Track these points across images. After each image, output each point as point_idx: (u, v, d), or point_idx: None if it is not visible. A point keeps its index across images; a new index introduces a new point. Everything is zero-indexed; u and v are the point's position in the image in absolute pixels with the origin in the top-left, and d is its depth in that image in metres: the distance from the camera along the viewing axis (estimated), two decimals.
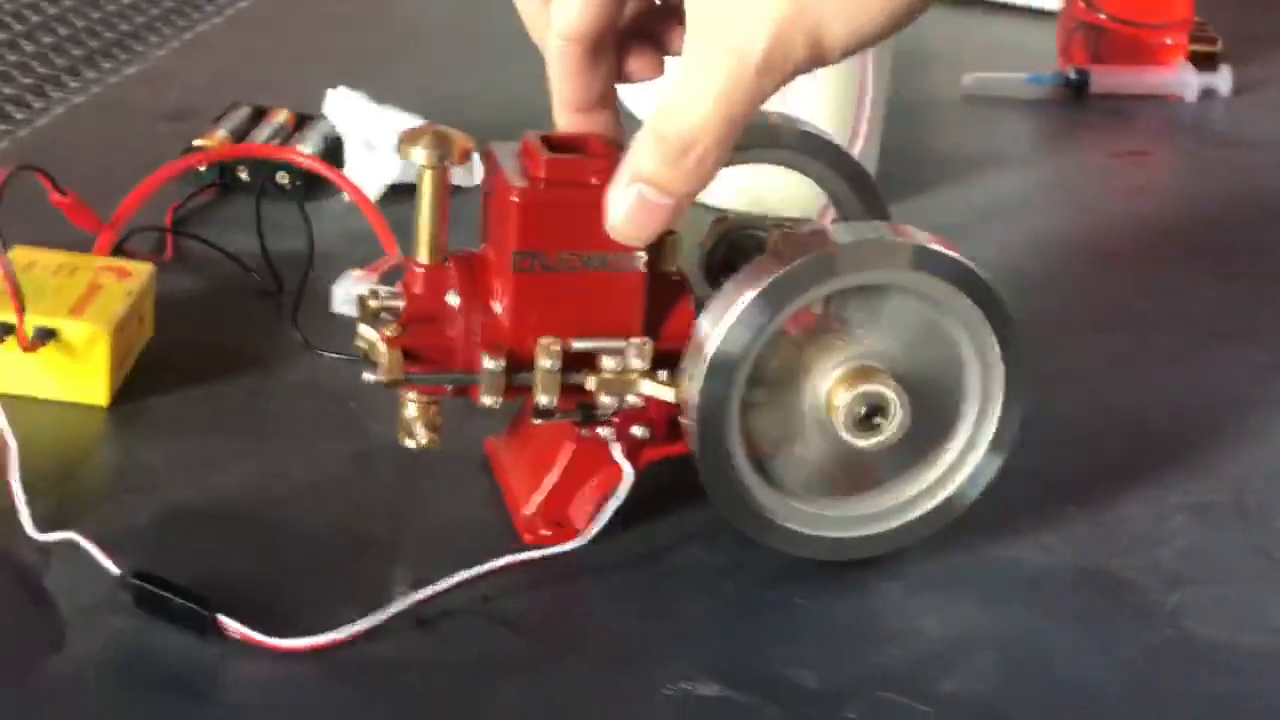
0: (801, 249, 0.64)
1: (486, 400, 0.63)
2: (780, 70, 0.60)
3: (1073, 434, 0.78)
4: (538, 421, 0.65)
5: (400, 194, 0.91)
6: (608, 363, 0.64)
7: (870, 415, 0.64)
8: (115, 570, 0.61)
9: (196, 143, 0.94)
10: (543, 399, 0.64)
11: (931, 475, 0.67)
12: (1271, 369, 0.87)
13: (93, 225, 0.83)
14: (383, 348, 0.63)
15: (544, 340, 0.63)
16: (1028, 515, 0.71)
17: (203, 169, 0.93)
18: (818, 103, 0.94)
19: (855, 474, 0.67)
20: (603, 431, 0.66)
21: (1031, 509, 0.71)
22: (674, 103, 0.61)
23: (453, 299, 0.64)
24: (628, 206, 0.62)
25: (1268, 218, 1.06)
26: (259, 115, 1.00)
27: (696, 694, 0.60)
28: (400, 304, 0.64)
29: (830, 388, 0.64)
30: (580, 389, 0.64)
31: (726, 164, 0.62)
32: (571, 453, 0.67)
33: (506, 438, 0.70)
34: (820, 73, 0.91)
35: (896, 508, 0.67)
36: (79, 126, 1.02)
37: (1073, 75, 1.23)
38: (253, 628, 0.59)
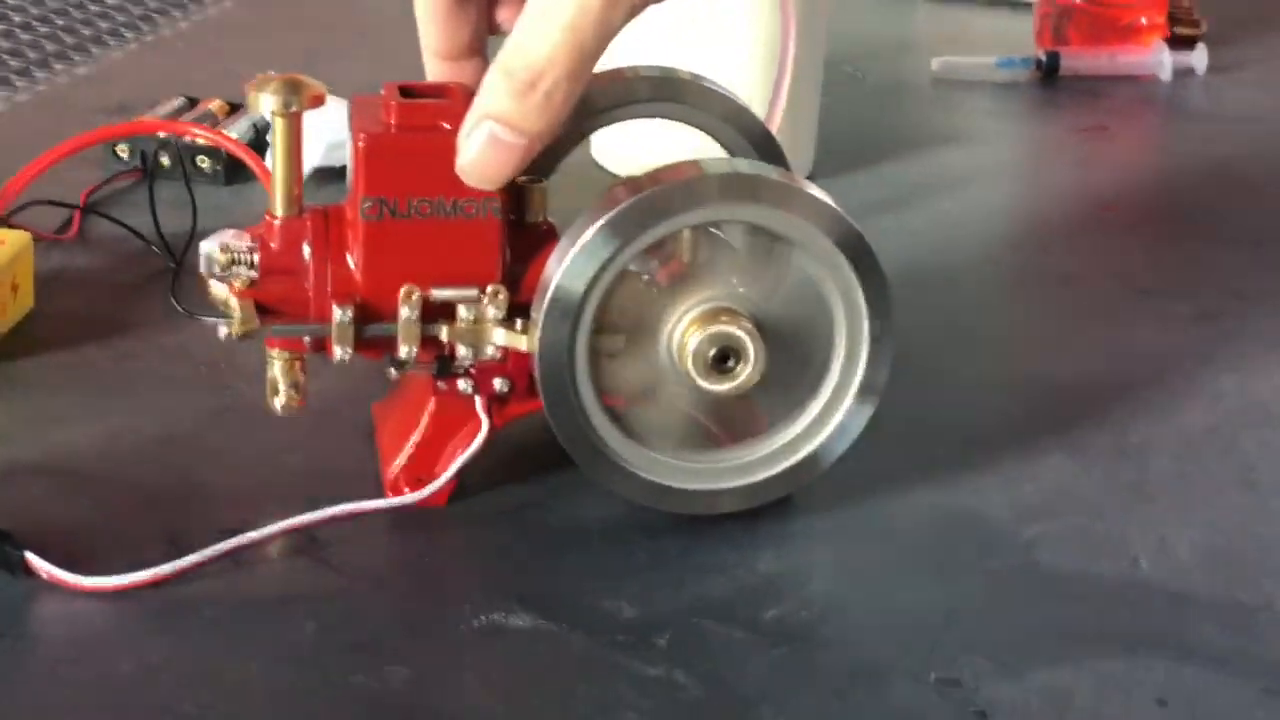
0: (657, 180, 0.62)
1: (338, 352, 0.62)
2: (625, 7, 0.59)
3: (964, 388, 0.77)
4: (393, 373, 0.64)
5: (328, 178, 0.92)
6: (462, 312, 0.63)
7: (723, 358, 0.63)
8: None
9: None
10: (402, 349, 0.62)
11: (797, 427, 0.65)
12: (1191, 320, 0.84)
13: None
14: (234, 300, 0.62)
15: (405, 288, 0.62)
16: (895, 460, 0.69)
17: (124, 154, 0.94)
18: (738, 71, 0.93)
19: (720, 426, 0.65)
20: (463, 385, 0.64)
21: (901, 455, 0.69)
22: (520, 38, 0.60)
23: (306, 250, 0.63)
24: (477, 146, 0.60)
25: (1214, 182, 1.03)
26: (191, 105, 1.00)
27: (506, 624, 0.59)
28: (256, 257, 0.63)
29: (683, 329, 0.63)
30: (438, 340, 0.63)
31: (582, 107, 0.61)
32: (434, 409, 0.65)
33: (387, 401, 0.70)
34: (741, 37, 0.93)
35: (762, 460, 0.65)
36: (16, 121, 1.03)
37: (1042, 58, 1.20)
38: (65, 568, 0.59)
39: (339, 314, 0.62)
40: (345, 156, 0.92)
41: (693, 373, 0.63)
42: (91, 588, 0.59)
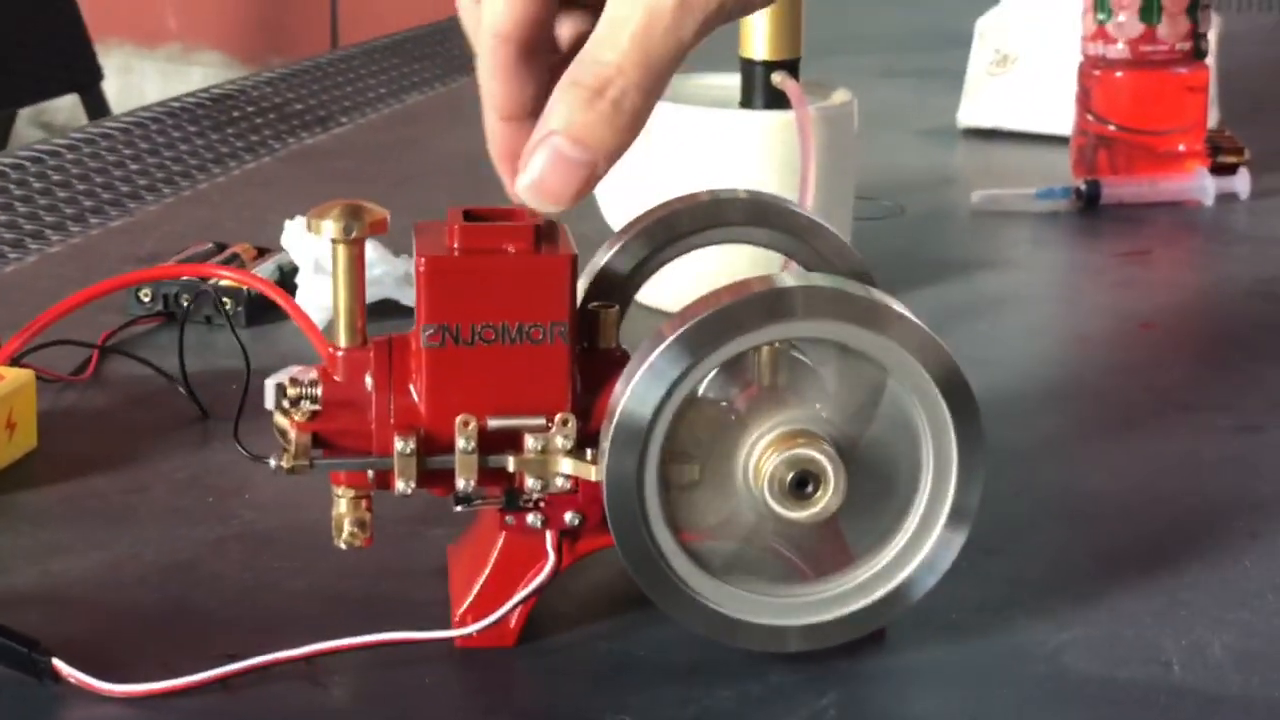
0: (731, 295, 0.59)
1: (400, 485, 0.59)
2: (701, 9, 0.56)
3: (995, 498, 0.74)
4: (458, 508, 0.61)
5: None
6: (530, 442, 0.60)
7: (802, 483, 0.59)
8: None
9: None
10: (460, 481, 0.60)
11: (885, 556, 0.61)
12: (1232, 432, 0.82)
13: None
14: (293, 433, 0.60)
15: (460, 418, 0.59)
16: None
17: (146, 298, 0.94)
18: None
19: (803, 556, 0.61)
20: (531, 519, 0.61)
21: None
22: (588, 49, 0.57)
23: (368, 380, 0.60)
24: (541, 163, 0.57)
25: (1256, 302, 1.01)
26: (220, 250, 1.00)
27: None
28: (319, 390, 0.60)
29: (760, 453, 0.59)
30: (505, 473, 0.60)
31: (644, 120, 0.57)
32: (503, 545, 0.62)
33: (460, 540, 0.66)
34: (758, 160, 0.93)
35: (846, 593, 0.61)
36: (47, 270, 1.03)
37: (1082, 186, 1.19)
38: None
39: (401, 445, 0.59)
40: (378, 294, 0.94)
41: (769, 499, 0.59)
42: (118, 693, 0.58)
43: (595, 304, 0.63)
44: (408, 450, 0.59)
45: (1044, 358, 0.94)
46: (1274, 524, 0.72)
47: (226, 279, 0.92)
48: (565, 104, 0.57)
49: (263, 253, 1.00)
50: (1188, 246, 1.16)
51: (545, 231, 0.61)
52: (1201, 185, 1.20)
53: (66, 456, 0.77)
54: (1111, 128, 1.22)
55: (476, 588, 0.62)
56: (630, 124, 0.57)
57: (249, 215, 1.14)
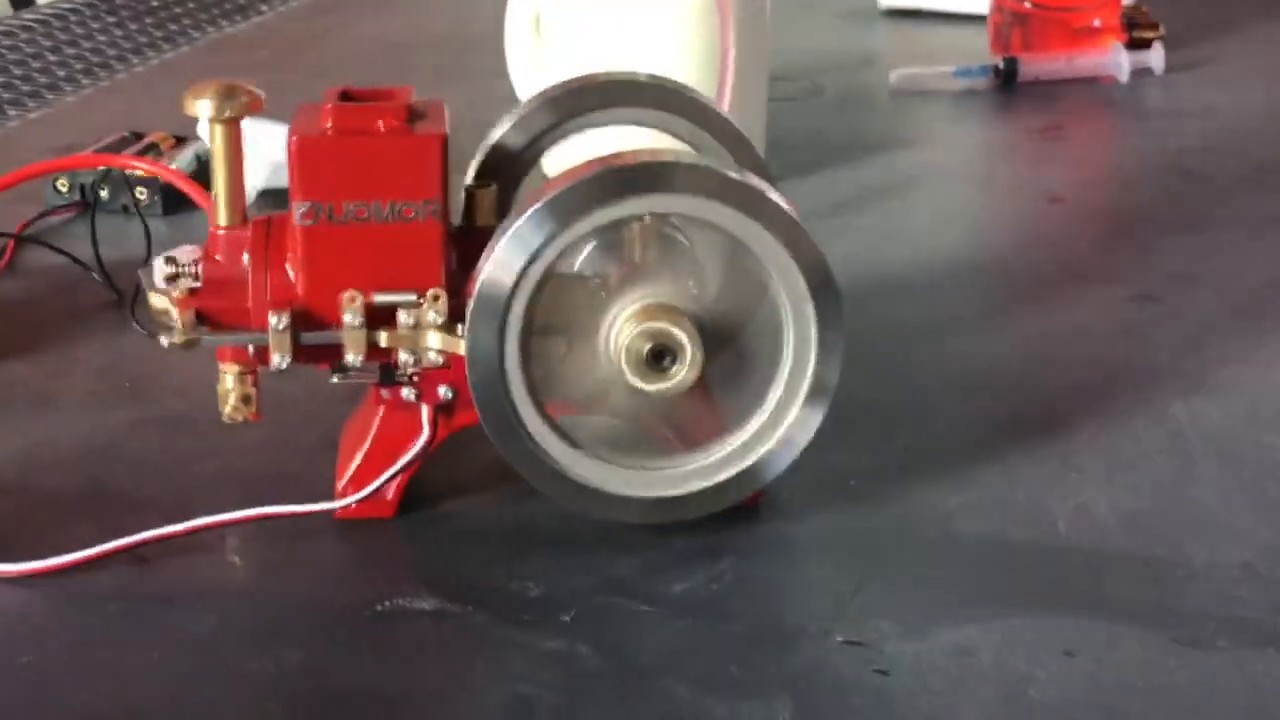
0: (602, 164, 0.59)
1: (276, 359, 0.61)
2: None
3: (896, 370, 0.76)
4: (335, 379, 0.63)
5: (276, 200, 0.93)
6: (402, 317, 0.61)
7: (659, 356, 0.60)
8: None
9: None
10: (348, 355, 0.61)
11: (744, 433, 0.62)
12: (1130, 302, 0.84)
13: None
14: (175, 310, 0.61)
15: (347, 293, 0.60)
16: (819, 437, 0.66)
17: (64, 189, 0.94)
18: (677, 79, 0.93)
19: (669, 430, 0.63)
20: (406, 393, 0.63)
21: (826, 432, 0.67)
22: None
23: (246, 258, 0.61)
24: None
25: (1166, 175, 1.03)
26: (137, 139, 1.01)
27: (410, 608, 0.58)
28: (200, 269, 0.61)
29: (621, 326, 0.61)
30: (379, 347, 0.61)
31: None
32: (382, 419, 0.64)
33: (352, 416, 0.67)
34: (678, 43, 0.93)
35: (709, 467, 0.62)
36: None
37: (1000, 64, 1.20)
38: None
39: (275, 321, 0.60)
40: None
41: (627, 371, 0.60)
42: (5, 573, 0.60)
43: (473, 183, 0.64)
44: (281, 326, 0.60)
45: (954, 235, 0.95)
46: (1165, 391, 0.74)
47: (139, 170, 0.92)
48: None
49: (180, 141, 1.01)
50: (1102, 122, 1.17)
51: (419, 111, 0.62)
52: (1117, 61, 1.21)
53: None
54: (1027, 4, 1.24)
55: (356, 461, 0.63)
56: None
57: (168, 106, 1.12)
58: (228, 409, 0.62)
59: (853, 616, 0.57)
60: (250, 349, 0.62)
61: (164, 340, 0.61)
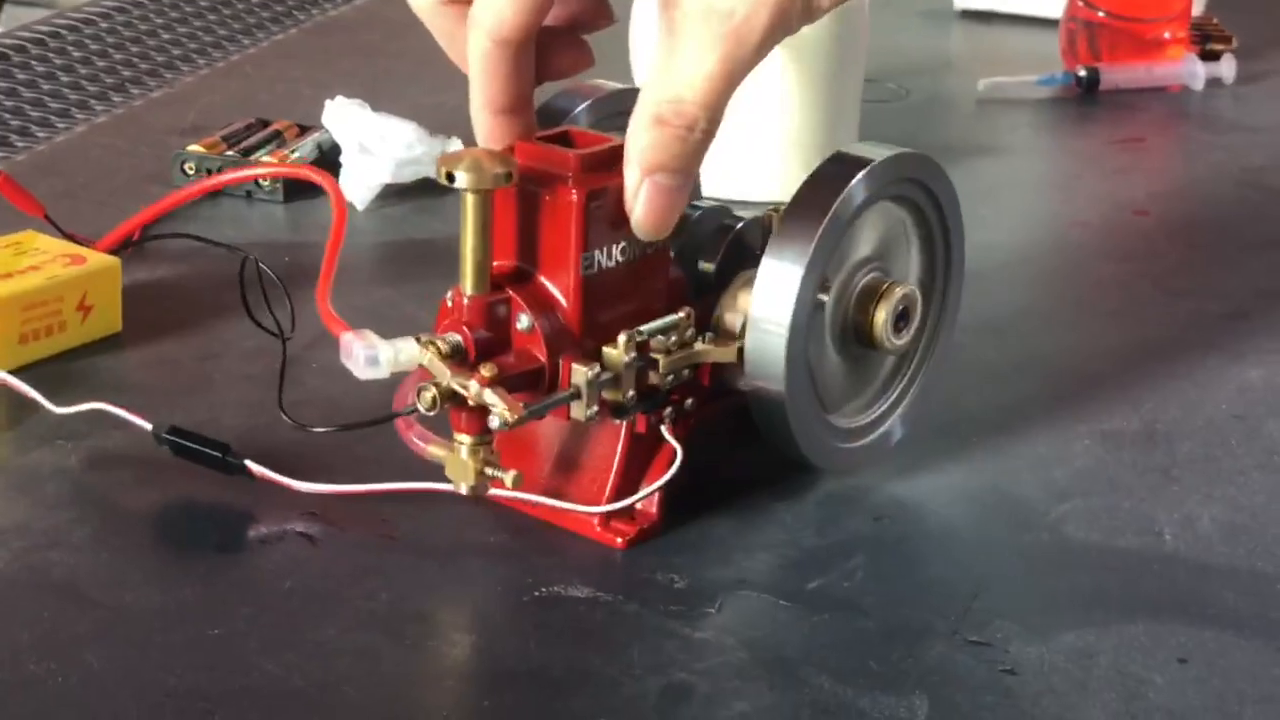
0: (828, 186, 0.65)
1: (587, 413, 0.62)
2: (778, 40, 0.60)
3: (999, 380, 0.80)
4: (619, 420, 0.65)
5: (394, 196, 0.97)
6: (665, 342, 0.64)
7: (903, 316, 0.68)
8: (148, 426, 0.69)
9: (190, 147, 1.00)
10: (627, 394, 0.63)
11: (915, 368, 0.71)
12: (1221, 318, 0.88)
13: (30, 207, 0.88)
14: (489, 392, 0.60)
15: (622, 336, 0.63)
16: (933, 446, 0.73)
17: (190, 171, 0.99)
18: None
19: (856, 383, 0.70)
20: (668, 412, 0.66)
21: (938, 441, 0.73)
22: (672, 85, 0.60)
23: (523, 321, 0.63)
24: (649, 203, 0.61)
25: (1244, 189, 1.07)
26: (262, 126, 1.05)
27: (565, 595, 0.63)
28: (458, 341, 0.62)
29: (860, 305, 0.68)
30: (646, 375, 0.64)
31: None
32: (627, 440, 0.66)
33: (532, 433, 0.68)
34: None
35: (892, 404, 0.71)
36: (96, 140, 1.08)
37: (1082, 73, 1.24)
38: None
39: (586, 374, 0.62)
40: (417, 173, 0.99)
41: (884, 337, 0.67)
42: (308, 491, 0.66)
43: None
44: (594, 377, 0.62)
45: (1043, 244, 0.99)
46: (1258, 407, 0.78)
47: (282, 175, 0.97)
48: (658, 141, 0.61)
49: (304, 130, 1.05)
50: (1179, 133, 1.21)
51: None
52: (1193, 70, 1.25)
53: (137, 327, 0.82)
54: (1101, 14, 1.27)
55: (611, 481, 0.66)
56: (708, 145, 0.62)
57: (282, 89, 1.18)
58: (473, 483, 0.62)
59: (976, 617, 0.62)
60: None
61: (495, 422, 0.61)
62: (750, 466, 0.70)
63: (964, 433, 0.74)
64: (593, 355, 0.63)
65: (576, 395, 0.63)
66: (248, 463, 0.67)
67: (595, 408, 0.63)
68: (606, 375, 0.63)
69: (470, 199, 0.61)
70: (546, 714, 0.56)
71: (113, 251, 0.87)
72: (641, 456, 0.66)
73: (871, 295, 0.67)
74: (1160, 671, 0.59)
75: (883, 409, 0.71)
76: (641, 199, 0.61)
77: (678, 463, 0.65)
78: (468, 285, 0.62)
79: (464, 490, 0.62)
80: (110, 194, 0.98)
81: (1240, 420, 0.77)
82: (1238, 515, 0.69)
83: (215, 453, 0.68)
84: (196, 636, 0.60)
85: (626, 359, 0.63)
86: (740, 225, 0.71)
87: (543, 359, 0.63)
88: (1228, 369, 0.82)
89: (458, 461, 0.62)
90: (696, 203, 0.72)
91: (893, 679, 0.58)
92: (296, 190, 0.99)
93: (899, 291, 0.67)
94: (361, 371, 0.63)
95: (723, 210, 0.72)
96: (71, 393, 0.72)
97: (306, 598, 0.62)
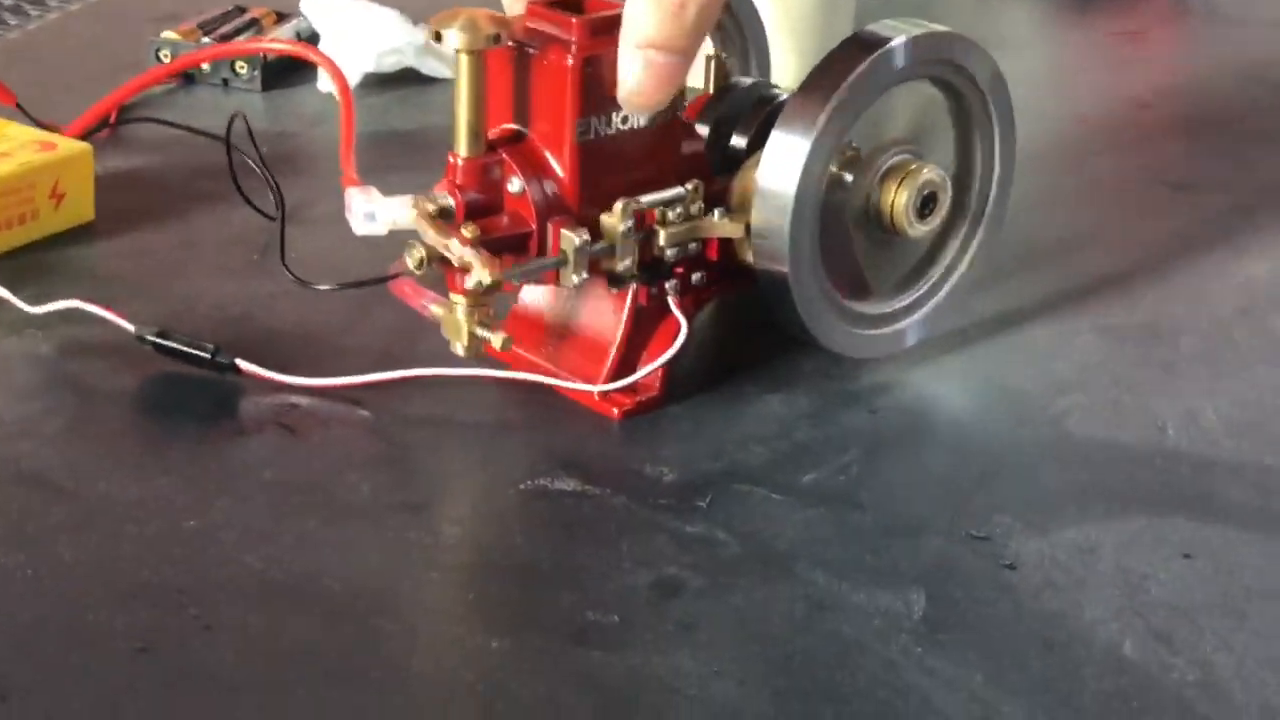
0: (843, 63, 0.63)
1: (575, 279, 0.61)
2: None
3: (998, 274, 0.78)
4: (616, 290, 0.64)
5: (377, 84, 0.95)
6: (670, 215, 0.63)
7: (927, 203, 0.66)
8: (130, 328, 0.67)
9: (165, 34, 0.97)
10: (622, 264, 0.62)
11: (942, 263, 0.70)
12: (1225, 213, 0.86)
13: (1, 95, 0.86)
14: (470, 251, 0.60)
15: (621, 202, 0.62)
16: (933, 340, 0.71)
17: (166, 57, 0.96)
18: None
19: (879, 270, 0.68)
20: (670, 286, 0.65)
21: (938, 335, 0.71)
22: None
23: (515, 184, 0.62)
24: (637, 75, 0.60)
25: (1247, 84, 1.04)
26: (240, 12, 1.02)
27: (552, 488, 0.61)
28: (451, 202, 0.61)
29: (883, 187, 0.66)
30: (648, 247, 0.63)
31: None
32: (631, 312, 0.65)
33: (531, 302, 0.68)
34: None
35: (922, 296, 0.70)
36: (69, 28, 1.05)
37: None
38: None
39: (575, 240, 0.61)
40: (399, 62, 0.96)
41: (905, 222, 0.65)
42: (299, 384, 0.65)
43: None
44: (580, 244, 0.61)
45: (1044, 137, 0.97)
46: (1262, 301, 0.76)
47: (277, 51, 0.94)
48: (650, 16, 0.59)
49: (281, 18, 1.02)
50: (1180, 27, 1.19)
51: None
52: None
53: (111, 215, 0.80)
54: None
55: (613, 354, 0.65)
56: (705, 28, 0.60)
57: None
58: (466, 344, 0.61)
59: (976, 511, 0.60)
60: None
61: (471, 282, 0.60)
62: (743, 356, 0.68)
63: (962, 326, 0.72)
64: (593, 226, 0.62)
65: (564, 261, 0.61)
66: (238, 361, 0.65)
67: (584, 274, 0.61)
68: (601, 244, 0.62)
69: (463, 60, 0.60)
70: (533, 607, 0.55)
71: (85, 137, 0.84)
72: (648, 330, 0.65)
73: (896, 177, 0.65)
74: (1163, 567, 0.57)
75: (905, 302, 0.69)
76: (631, 73, 0.60)
77: (682, 336, 0.64)
78: (460, 146, 0.61)
79: (459, 351, 0.62)
80: (84, 81, 0.95)
81: (1244, 314, 0.75)
82: (1242, 410, 0.67)
83: (204, 354, 0.66)
84: (172, 529, 0.58)
85: (623, 228, 0.61)
86: (779, 100, 0.68)
87: (532, 223, 0.61)
88: (1231, 263, 0.80)
89: (453, 321, 0.61)
90: (739, 78, 0.70)
91: (889, 574, 0.57)
92: (274, 78, 0.97)
93: (924, 175, 0.65)
94: (360, 227, 0.63)
95: (762, 85, 0.70)
96: (46, 285, 0.70)
97: (287, 489, 0.60)
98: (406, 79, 0.97)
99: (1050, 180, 0.91)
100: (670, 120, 0.64)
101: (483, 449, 0.63)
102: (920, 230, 0.66)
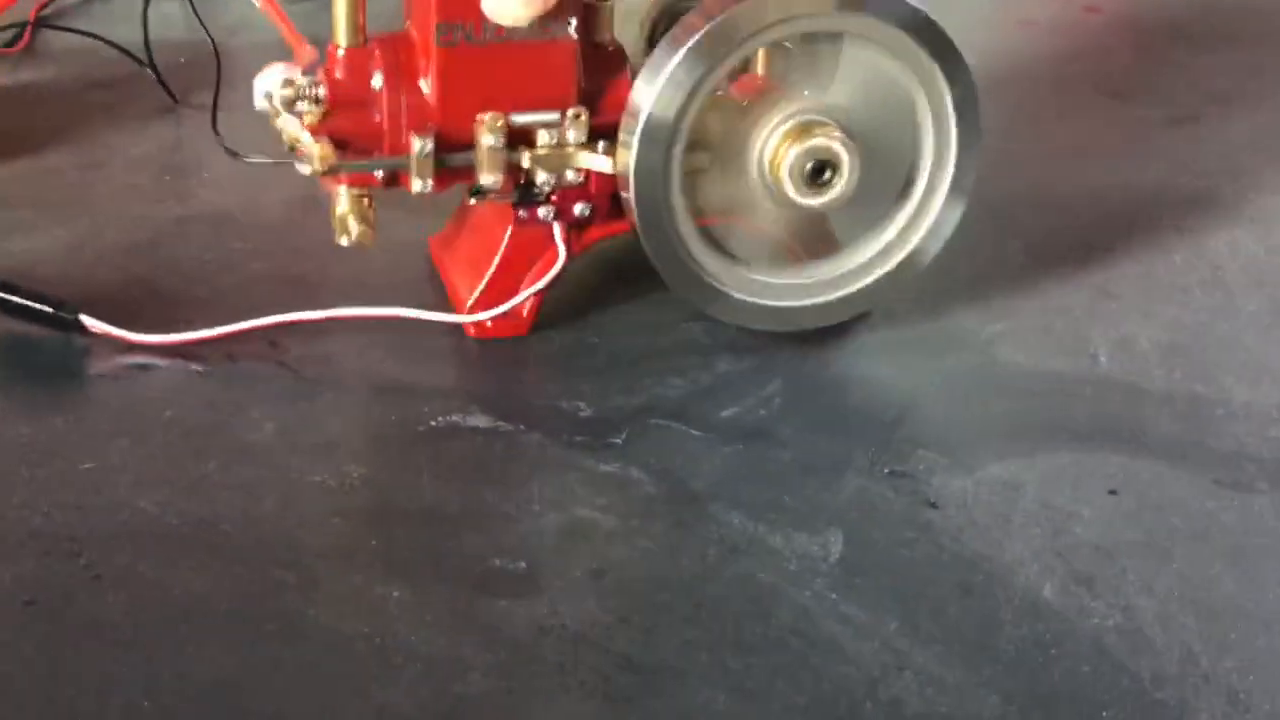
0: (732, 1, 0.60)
1: (417, 185, 0.60)
2: None
3: None
4: (474, 201, 0.62)
5: None
6: (543, 137, 0.61)
7: (819, 172, 0.61)
8: None
9: None
10: (486, 178, 0.61)
11: (890, 233, 0.64)
12: (1164, 125, 0.84)
13: None
14: (308, 137, 0.59)
15: (485, 116, 0.60)
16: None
17: None
18: None
19: (814, 239, 0.64)
20: (543, 212, 0.63)
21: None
22: None
23: (377, 81, 0.60)
24: None
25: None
26: None
27: (463, 425, 0.59)
28: (322, 91, 0.60)
29: (776, 146, 0.61)
30: (517, 168, 0.61)
31: None
32: (511, 237, 0.63)
33: (447, 232, 0.67)
34: None
35: (856, 270, 0.64)
36: None
37: None
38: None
39: (419, 145, 0.60)
40: None
41: (790, 189, 0.61)
42: (140, 341, 0.62)
43: None
44: (425, 150, 0.60)
45: (986, 44, 0.94)
46: (1202, 219, 0.74)
47: None
48: None
49: None
50: None
51: None
52: None
53: (16, 133, 0.77)
54: None
55: (485, 279, 0.63)
56: None
57: None
58: (355, 234, 0.61)
59: (898, 447, 0.58)
60: (379, 173, 0.61)
61: (303, 169, 0.60)
62: (663, 286, 0.66)
63: None
64: (458, 137, 0.61)
65: (404, 164, 0.60)
66: (83, 318, 0.62)
67: (429, 181, 0.60)
68: (462, 155, 0.61)
69: None
70: (437, 554, 0.53)
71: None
72: (528, 258, 0.64)
73: (794, 137, 0.61)
74: (1089, 504, 0.56)
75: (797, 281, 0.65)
76: None
77: (558, 266, 0.63)
78: (339, 36, 0.61)
79: (336, 230, 0.62)
80: None
81: (1181, 233, 0.73)
82: (1178, 335, 0.65)
83: (47, 308, 0.63)
84: (66, 471, 0.56)
85: (488, 142, 0.60)
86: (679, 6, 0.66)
87: (383, 119, 0.60)
88: (1172, 180, 0.78)
89: (334, 214, 0.62)
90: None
91: (807, 514, 0.55)
92: None
93: (816, 140, 0.61)
94: (257, 102, 0.63)
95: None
96: None
97: (187, 429, 0.58)
98: None
99: (988, 90, 0.88)
100: (565, 40, 0.61)
101: (394, 384, 0.61)
102: (804, 199, 0.61)
